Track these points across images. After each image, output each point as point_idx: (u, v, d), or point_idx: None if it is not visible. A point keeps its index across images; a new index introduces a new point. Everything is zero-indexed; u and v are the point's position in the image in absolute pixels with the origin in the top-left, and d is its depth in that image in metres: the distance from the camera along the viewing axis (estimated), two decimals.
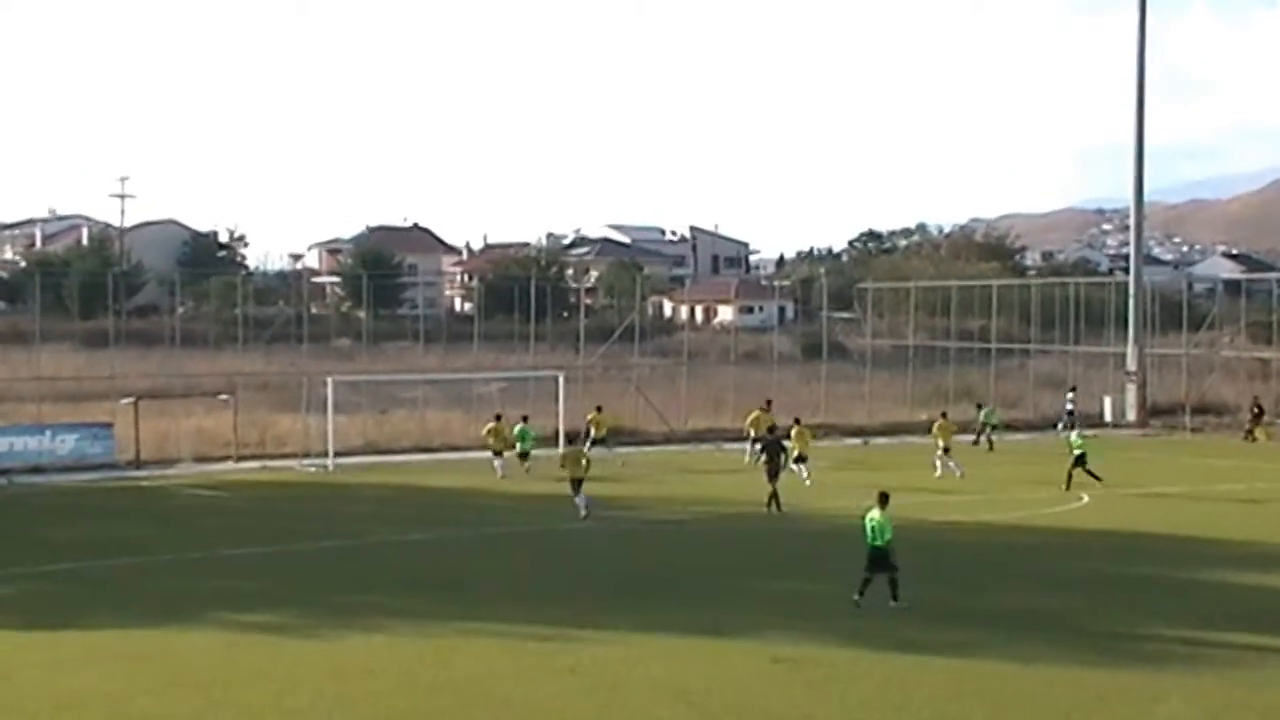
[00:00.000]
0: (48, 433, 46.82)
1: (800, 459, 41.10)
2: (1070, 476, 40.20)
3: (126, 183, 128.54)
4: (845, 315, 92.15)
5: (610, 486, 41.38)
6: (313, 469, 45.13)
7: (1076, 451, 40.70)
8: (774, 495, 35.91)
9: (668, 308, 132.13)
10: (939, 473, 43.61)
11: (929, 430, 57.30)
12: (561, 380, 50.38)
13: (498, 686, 20.15)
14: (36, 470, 44.26)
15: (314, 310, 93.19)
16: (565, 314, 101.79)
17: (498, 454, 44.16)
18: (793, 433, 42.20)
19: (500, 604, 25.35)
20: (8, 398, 53.97)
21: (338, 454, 45.71)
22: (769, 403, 49.53)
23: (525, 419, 45.85)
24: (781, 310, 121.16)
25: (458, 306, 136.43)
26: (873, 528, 24.76)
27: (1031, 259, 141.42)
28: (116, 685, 20.22)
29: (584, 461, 36.27)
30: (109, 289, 76.33)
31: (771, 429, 40.31)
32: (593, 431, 46.11)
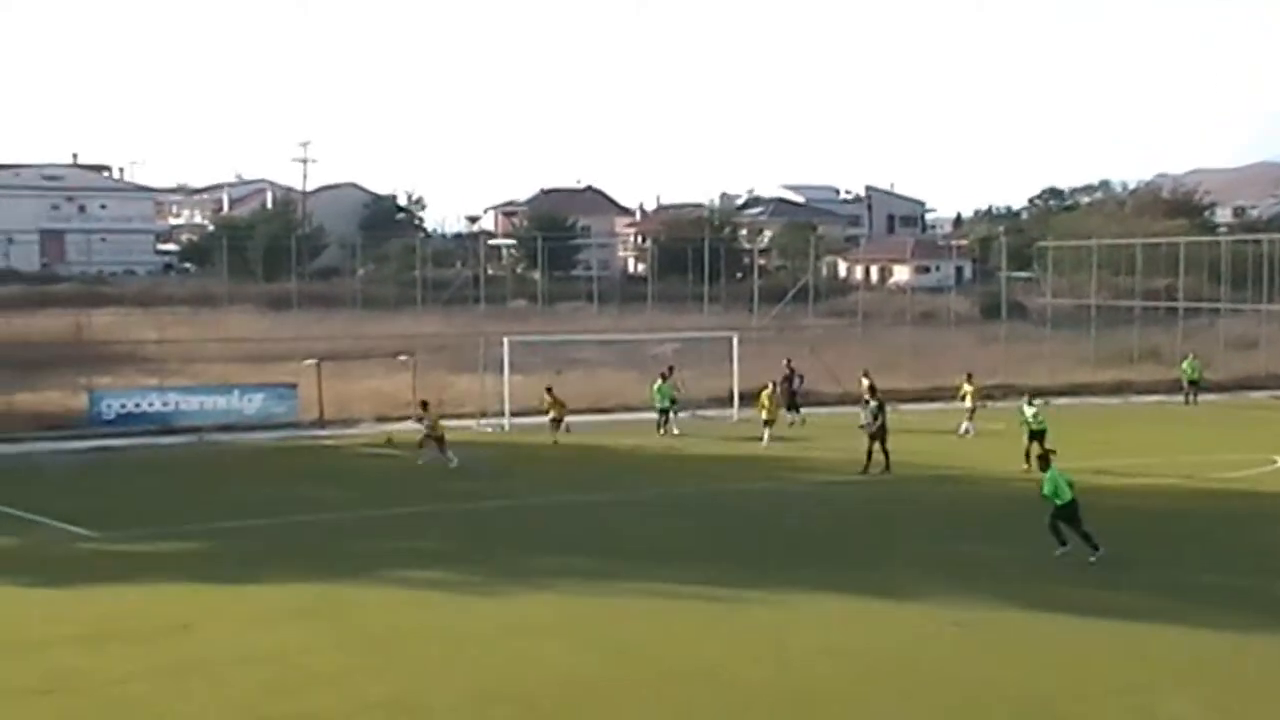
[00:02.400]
0: (235, 392, 47.90)
1: (972, 411, 42.57)
2: None
3: (308, 147, 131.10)
4: (1024, 275, 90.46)
5: (783, 447, 41.23)
6: (489, 429, 45.57)
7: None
8: (872, 455, 35.66)
9: (842, 268, 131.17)
10: (965, 432, 43.14)
11: (1113, 391, 56.32)
12: (735, 341, 50.21)
13: (670, 648, 20.16)
14: (225, 429, 45.27)
15: (490, 272, 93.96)
16: (739, 275, 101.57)
17: (664, 411, 44.60)
18: (963, 389, 43.60)
19: (671, 564, 25.35)
20: (197, 358, 55.33)
21: (513, 414, 46.06)
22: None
23: (663, 375, 45.88)
24: (959, 270, 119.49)
25: (631, 268, 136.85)
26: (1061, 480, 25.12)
27: (1221, 215, 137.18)
28: (294, 641, 20.64)
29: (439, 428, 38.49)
30: (292, 252, 78.04)
31: (873, 389, 39.29)
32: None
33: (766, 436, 41.79)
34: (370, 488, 35.39)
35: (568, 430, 43.37)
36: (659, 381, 45.33)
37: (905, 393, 52.32)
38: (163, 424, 45.36)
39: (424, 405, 39.78)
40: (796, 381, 48.55)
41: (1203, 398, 54.33)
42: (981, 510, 31.78)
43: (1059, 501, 25.01)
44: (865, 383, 46.38)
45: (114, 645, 20.33)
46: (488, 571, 24.94)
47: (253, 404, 47.14)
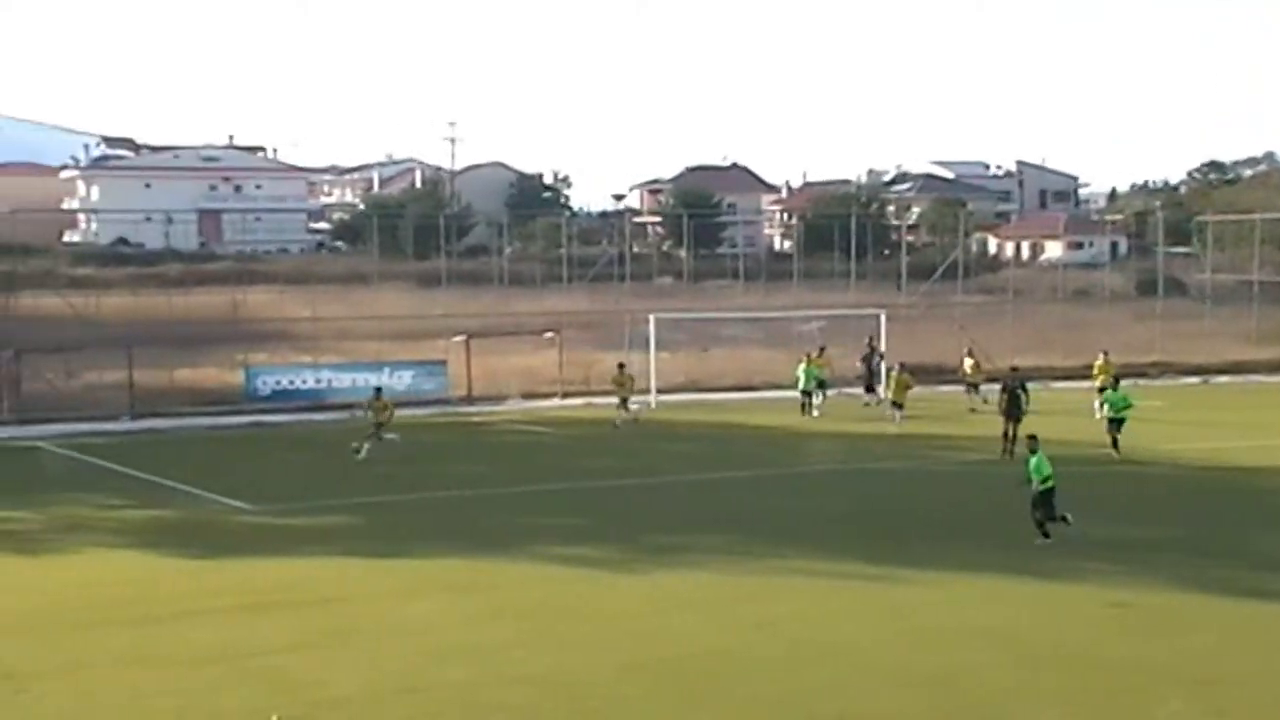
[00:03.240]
0: (386, 369, 48.51)
1: (1102, 390, 40.86)
2: None
3: (456, 127, 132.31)
4: (1182, 250, 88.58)
5: (931, 425, 40.91)
6: (635, 406, 45.71)
7: None
8: (1010, 437, 34.48)
9: (992, 244, 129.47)
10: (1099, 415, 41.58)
11: (1276, 369, 54.85)
12: (883, 319, 49.86)
13: (811, 625, 20.19)
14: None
15: (635, 250, 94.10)
16: (886, 252, 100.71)
17: (808, 393, 43.90)
18: (1096, 367, 43.18)
19: (812, 542, 25.34)
20: (350, 336, 56.11)
21: (659, 391, 46.18)
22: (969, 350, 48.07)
23: (808, 356, 45.13)
24: (1113, 246, 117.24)
25: (777, 245, 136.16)
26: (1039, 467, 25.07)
27: None
28: (444, 613, 20.98)
29: (387, 406, 36.84)
30: (440, 231, 78.67)
31: (1015, 370, 38.66)
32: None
33: (898, 418, 41.09)
34: (517, 464, 35.74)
35: (635, 420, 41.49)
36: (804, 363, 44.75)
37: (1057, 370, 51.71)
38: (315, 400, 46.19)
39: (377, 391, 38.04)
40: (876, 361, 47.33)
41: None
42: (1130, 490, 31.29)
43: (1043, 486, 24.90)
44: (969, 362, 45.93)
45: (271, 616, 20.83)
46: (631, 548, 25.09)
47: (402, 380, 47.73)
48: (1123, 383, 37.41)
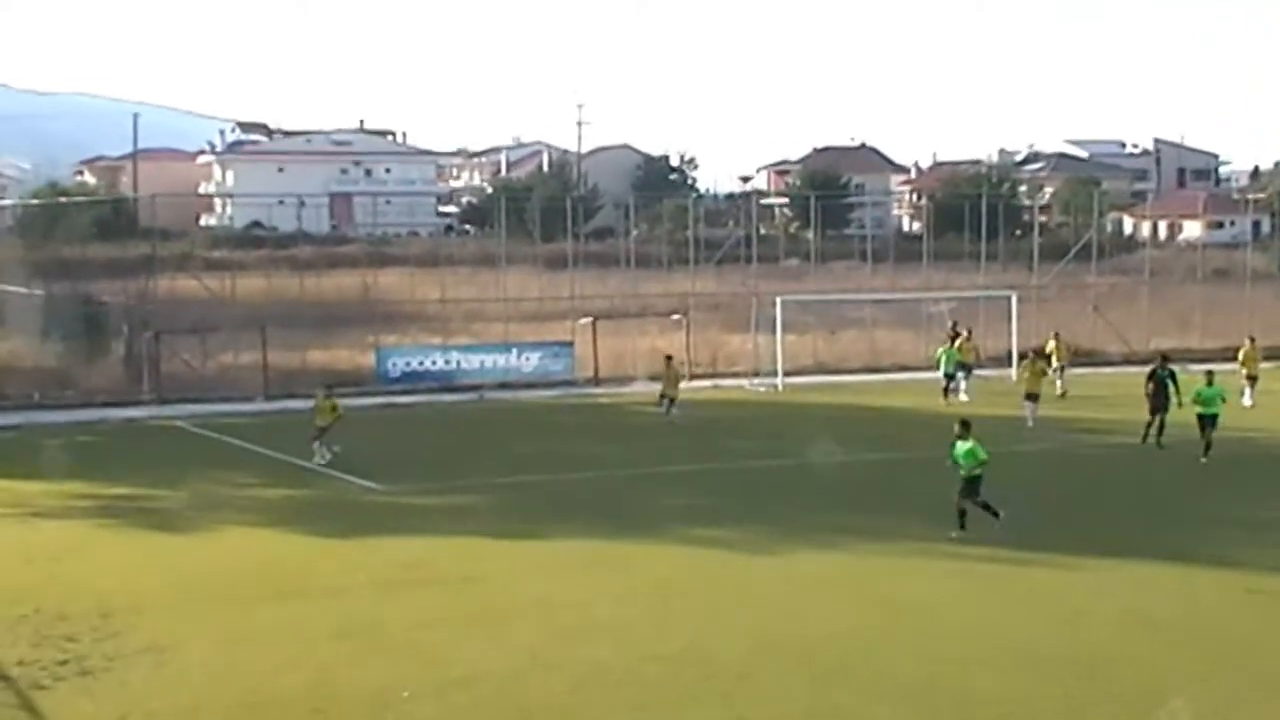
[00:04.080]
0: (514, 351, 49.00)
1: (1251, 379, 40.57)
2: None
3: (583, 110, 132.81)
4: None
5: (1064, 406, 40.44)
6: (762, 388, 45.69)
7: None
8: (1155, 426, 33.30)
9: (1128, 224, 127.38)
10: (1249, 402, 40.36)
11: None
12: (1015, 300, 49.35)
13: (950, 607, 20.05)
14: (504, 386, 46.35)
15: (762, 231, 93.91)
16: (1018, 232, 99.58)
17: (950, 376, 43.10)
18: (1242, 353, 41.65)
19: (948, 524, 25.12)
20: (478, 317, 56.56)
21: (787, 373, 46.09)
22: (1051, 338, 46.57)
23: (951, 338, 44.24)
24: (1256, 225, 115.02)
25: (906, 226, 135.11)
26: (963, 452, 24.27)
27: None
28: (579, 591, 21.11)
29: (335, 409, 32.93)
30: (567, 213, 78.87)
31: (1165, 358, 35.79)
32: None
33: (1031, 412, 38.28)
34: (645, 445, 35.84)
35: (671, 416, 38.75)
36: (946, 345, 44.00)
37: (1196, 353, 50.73)
38: (445, 381, 46.70)
39: (328, 390, 34.38)
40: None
41: None
42: (1270, 472, 30.73)
43: (972, 473, 24.05)
44: (1051, 344, 44.66)
45: (405, 593, 21.10)
46: (764, 528, 25.10)
47: (530, 362, 48.17)
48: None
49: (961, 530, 23.84)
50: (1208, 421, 31.22)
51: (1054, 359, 43.88)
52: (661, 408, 39.06)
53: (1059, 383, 43.14)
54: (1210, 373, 32.75)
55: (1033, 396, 37.67)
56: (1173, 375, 34.08)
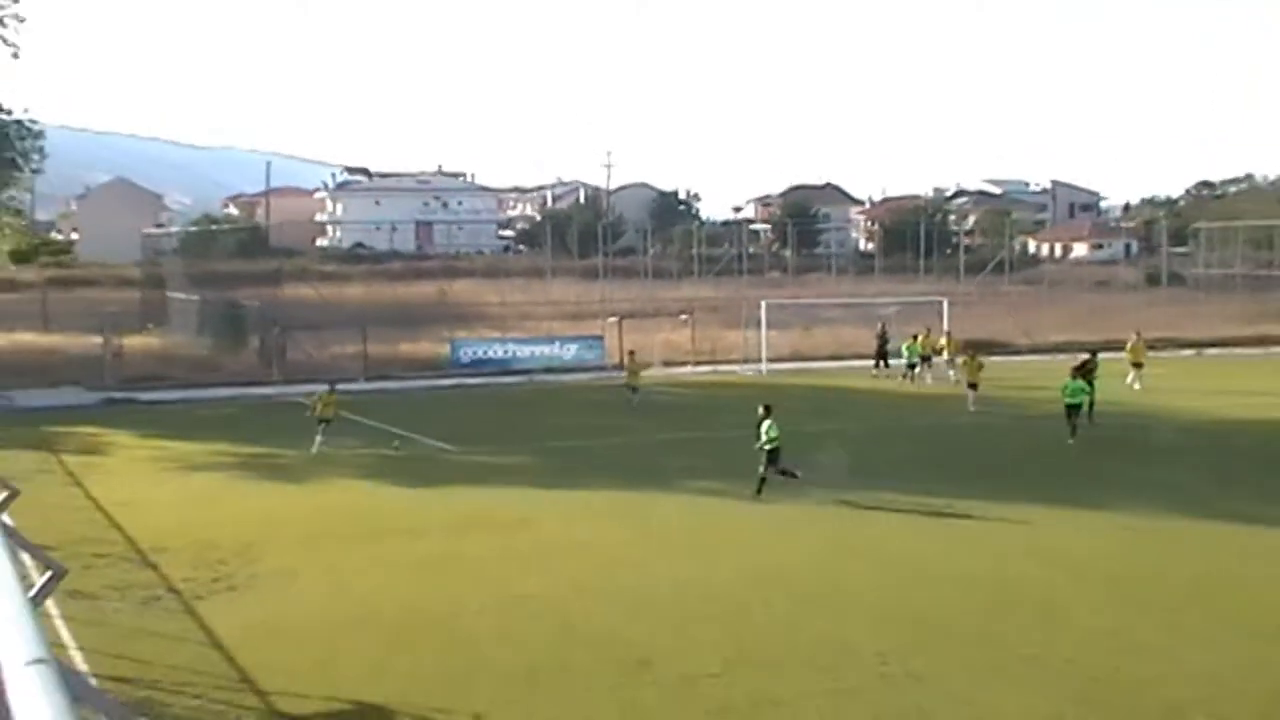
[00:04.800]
0: (556, 343, 48.87)
1: (1136, 365, 39.27)
2: None
3: (611, 155, 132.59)
4: (1181, 250, 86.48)
5: (993, 387, 40.16)
6: (750, 373, 45.54)
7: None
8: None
9: (1032, 246, 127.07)
10: (1136, 385, 38.76)
11: (1256, 344, 53.44)
12: (946, 304, 49.16)
13: (898, 545, 19.92)
14: (548, 371, 46.23)
15: (751, 250, 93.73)
16: (948, 251, 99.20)
17: (912, 365, 41.88)
18: (1129, 345, 40.17)
19: (899, 481, 24.94)
20: (529, 316, 56.63)
21: (770, 361, 45.94)
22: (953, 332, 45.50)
23: (915, 336, 43.37)
24: (1127, 247, 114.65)
25: (862, 246, 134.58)
26: (770, 429, 22.84)
27: None
28: (607, 533, 21.00)
29: (333, 403, 29.46)
30: (599, 236, 78.90)
31: (1092, 354, 34.44)
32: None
33: (973, 399, 36.18)
34: (658, 418, 35.65)
35: (634, 401, 36.19)
36: (910, 341, 42.67)
37: (1085, 344, 50.54)
38: (503, 367, 46.60)
39: (332, 387, 30.60)
40: (886, 341, 44.78)
41: None
42: (1145, 440, 30.49)
43: (770, 446, 22.85)
44: (941, 341, 43.31)
45: (473, 533, 21.03)
46: (750, 482, 24.77)
47: (569, 351, 48.02)
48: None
49: (758, 495, 22.57)
50: (1073, 410, 29.06)
51: (945, 353, 42.80)
52: (635, 395, 36.58)
53: (951, 373, 41.40)
54: (1075, 369, 30.51)
55: (973, 385, 35.80)
56: (1095, 367, 32.75)
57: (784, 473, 22.86)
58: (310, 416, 29.16)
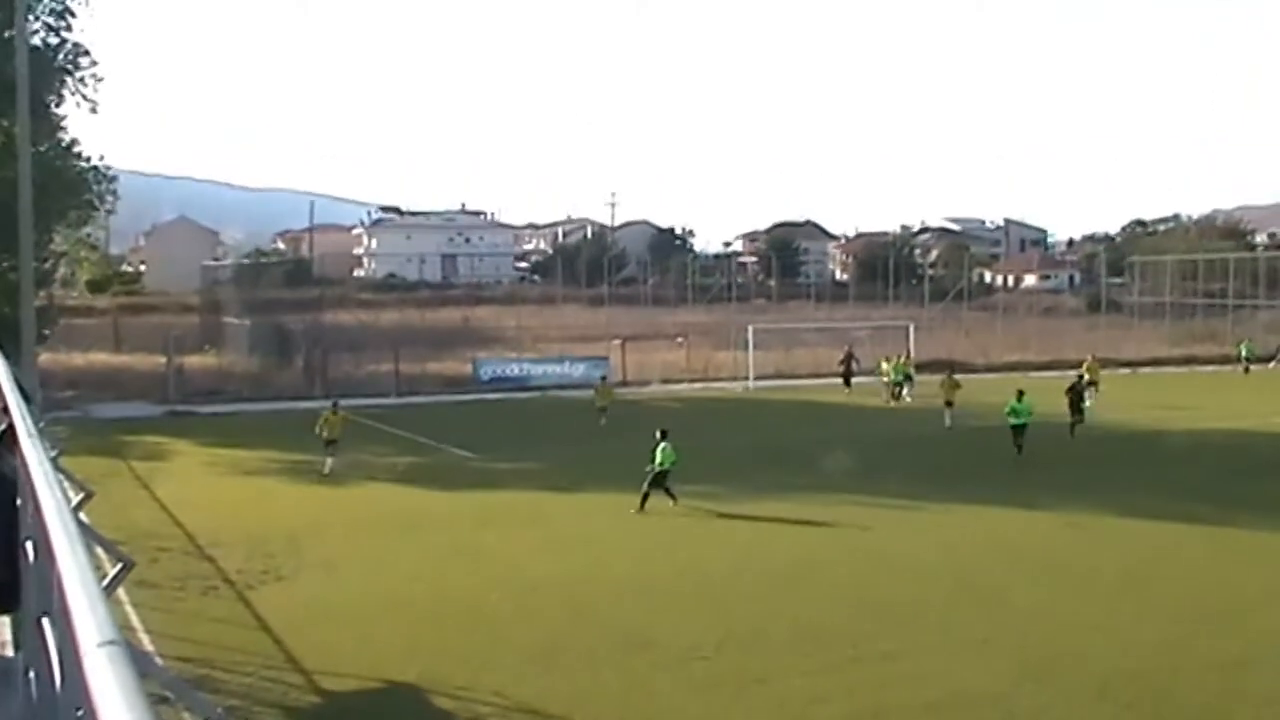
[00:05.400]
0: (566, 362, 48.82)
1: (1091, 384, 38.12)
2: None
3: (615, 195, 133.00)
4: (1118, 280, 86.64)
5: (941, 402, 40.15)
6: (739, 389, 45.55)
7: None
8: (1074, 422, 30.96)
9: (987, 276, 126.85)
10: (1089, 402, 38.47)
11: (1183, 363, 53.51)
12: (912, 328, 49.26)
13: (864, 539, 19.96)
14: (559, 387, 46.19)
15: (739, 280, 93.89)
16: (914, 281, 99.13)
17: (899, 384, 40.49)
18: (1086, 365, 39.24)
19: (864, 481, 24.93)
20: (543, 339, 56.58)
21: (756, 378, 45.95)
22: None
23: (899, 357, 41.94)
24: (1071, 278, 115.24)
25: (838, 276, 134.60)
26: (664, 452, 21.56)
27: (1260, 238, 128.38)
28: (611, 528, 20.98)
29: (339, 423, 26.54)
30: (604, 268, 79.03)
31: (1081, 377, 34.03)
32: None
33: (949, 416, 35.41)
34: (656, 427, 35.42)
35: (603, 423, 34.49)
36: (895, 360, 41.41)
37: (1033, 363, 50.74)
38: (520, 384, 46.53)
39: (335, 405, 27.57)
40: (854, 364, 43.72)
41: (1237, 369, 51.29)
42: (1088, 448, 30.51)
43: (660, 469, 21.50)
44: (886, 364, 41.41)
45: (493, 528, 21.07)
46: (736, 484, 24.80)
47: (578, 370, 47.94)
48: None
49: (641, 510, 21.26)
50: (1019, 430, 27.40)
51: (890, 374, 41.06)
52: (603, 416, 34.80)
53: (905, 391, 40.51)
54: (1021, 391, 28.38)
55: (949, 403, 34.23)
56: (1086, 386, 31.65)
57: (667, 492, 21.28)
58: (319, 436, 26.23)
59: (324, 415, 26.43)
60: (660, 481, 21.54)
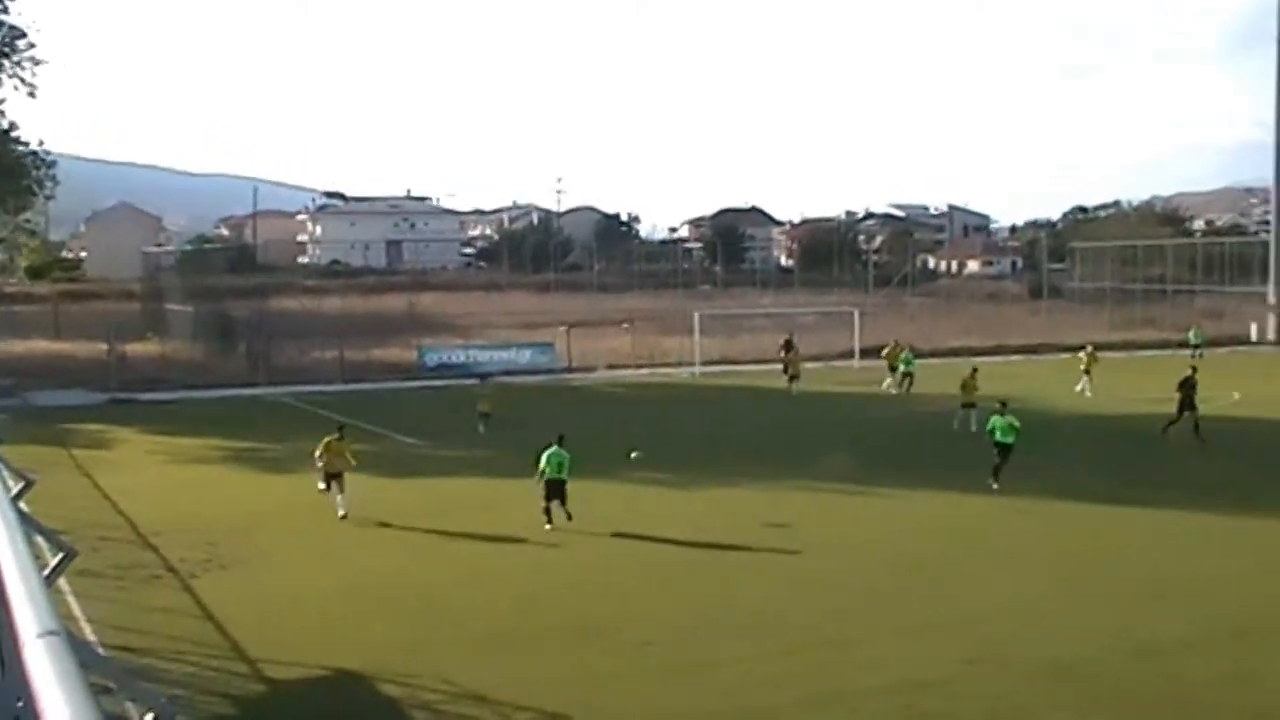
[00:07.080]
0: (513, 349, 48.58)
1: (1087, 372, 37.63)
2: None
3: (561, 181, 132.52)
4: (1059, 266, 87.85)
5: (897, 387, 40.49)
6: (685, 374, 45.59)
7: None
8: (1183, 418, 28.21)
9: (931, 262, 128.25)
10: (1088, 392, 37.63)
11: (1123, 348, 54.14)
12: (857, 314, 49.56)
13: (814, 523, 20.03)
14: (506, 373, 45.93)
15: (685, 266, 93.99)
16: (858, 267, 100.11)
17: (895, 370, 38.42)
18: (1084, 356, 38.18)
19: (817, 468, 24.99)
20: (489, 325, 56.31)
21: (702, 364, 46.03)
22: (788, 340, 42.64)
23: (908, 346, 39.97)
24: (1013, 264, 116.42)
25: (784, 262, 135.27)
26: (551, 458, 19.41)
27: (1197, 224, 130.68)
28: (599, 514, 19.89)
29: (347, 454, 20.74)
30: (550, 254, 78.83)
31: (1194, 369, 29.90)
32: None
33: (888, 383, 37.44)
34: (603, 412, 35.60)
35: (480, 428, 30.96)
36: (905, 350, 38.94)
37: (977, 349, 51.23)
38: (465, 371, 46.14)
39: (340, 432, 21.11)
40: (795, 353, 41.30)
41: (1177, 353, 51.30)
42: (1031, 432, 30.81)
43: (553, 478, 19.31)
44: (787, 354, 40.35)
45: (442, 517, 20.78)
46: (685, 468, 24.72)
47: (524, 356, 47.73)
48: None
49: (550, 525, 19.12)
50: (1005, 450, 22.59)
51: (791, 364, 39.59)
52: (482, 423, 31.17)
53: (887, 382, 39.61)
54: (1003, 403, 23.58)
55: (968, 404, 30.32)
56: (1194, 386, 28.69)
57: (563, 505, 19.24)
58: (319, 468, 20.79)
59: (325, 441, 20.77)
60: (556, 493, 19.15)
